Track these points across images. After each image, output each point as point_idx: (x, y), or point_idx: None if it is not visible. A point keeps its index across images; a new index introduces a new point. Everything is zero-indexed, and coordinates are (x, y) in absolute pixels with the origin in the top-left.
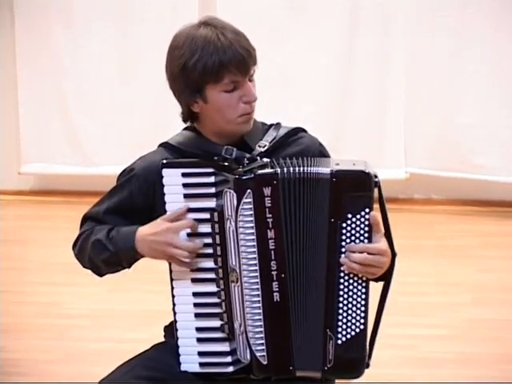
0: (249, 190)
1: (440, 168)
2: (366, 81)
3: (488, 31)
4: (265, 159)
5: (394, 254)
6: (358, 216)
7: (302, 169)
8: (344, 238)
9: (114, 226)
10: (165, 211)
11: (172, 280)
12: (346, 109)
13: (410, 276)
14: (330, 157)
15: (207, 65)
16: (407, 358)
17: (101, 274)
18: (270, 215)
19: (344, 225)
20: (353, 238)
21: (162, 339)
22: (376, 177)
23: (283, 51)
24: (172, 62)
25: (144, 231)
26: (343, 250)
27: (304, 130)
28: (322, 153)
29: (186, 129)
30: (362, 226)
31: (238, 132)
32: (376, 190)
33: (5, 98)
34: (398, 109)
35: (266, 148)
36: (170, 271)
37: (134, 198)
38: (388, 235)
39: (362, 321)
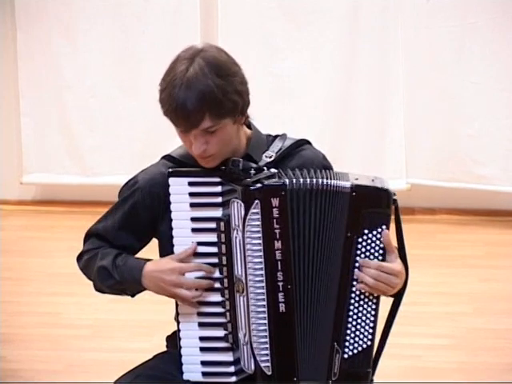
0: (257, 201)
1: (441, 178)
2: (366, 90)
3: (489, 40)
4: (272, 170)
5: (407, 275)
6: (375, 232)
7: (315, 180)
8: (359, 253)
9: (120, 245)
10: (170, 220)
11: None
12: (346, 119)
13: (412, 286)
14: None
15: (163, 104)
16: (409, 367)
17: (102, 293)
18: (278, 226)
19: (360, 240)
20: (368, 253)
21: (163, 349)
22: (394, 194)
23: (283, 63)
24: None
25: (151, 267)
26: (357, 264)
27: (309, 142)
28: (325, 166)
29: None
30: (378, 242)
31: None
32: (393, 208)
33: (7, 108)
34: (398, 119)
35: (272, 158)
36: None
37: (137, 211)
38: (403, 254)
39: (370, 337)
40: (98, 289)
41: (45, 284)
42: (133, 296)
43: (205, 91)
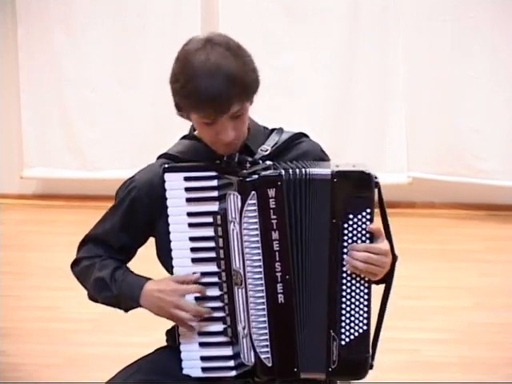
0: (253, 192)
1: (442, 172)
2: (367, 84)
3: (489, 35)
4: (268, 162)
5: (394, 257)
6: (360, 216)
7: (303, 170)
8: (346, 238)
9: (120, 247)
10: (167, 216)
11: None
12: (347, 114)
13: (412, 280)
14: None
15: (189, 98)
16: (408, 362)
17: (94, 302)
18: (275, 216)
19: (345, 225)
20: (354, 238)
21: (163, 343)
22: (376, 178)
23: (284, 58)
24: (171, 72)
25: (151, 287)
26: (345, 250)
27: (306, 135)
28: (322, 159)
29: (184, 137)
30: (364, 226)
31: (220, 153)
32: (376, 192)
33: (7, 102)
34: (399, 113)
35: (268, 152)
36: None
37: (135, 212)
38: (388, 236)
39: (365, 321)
40: (91, 298)
41: (45, 278)
42: (126, 311)
43: (231, 75)
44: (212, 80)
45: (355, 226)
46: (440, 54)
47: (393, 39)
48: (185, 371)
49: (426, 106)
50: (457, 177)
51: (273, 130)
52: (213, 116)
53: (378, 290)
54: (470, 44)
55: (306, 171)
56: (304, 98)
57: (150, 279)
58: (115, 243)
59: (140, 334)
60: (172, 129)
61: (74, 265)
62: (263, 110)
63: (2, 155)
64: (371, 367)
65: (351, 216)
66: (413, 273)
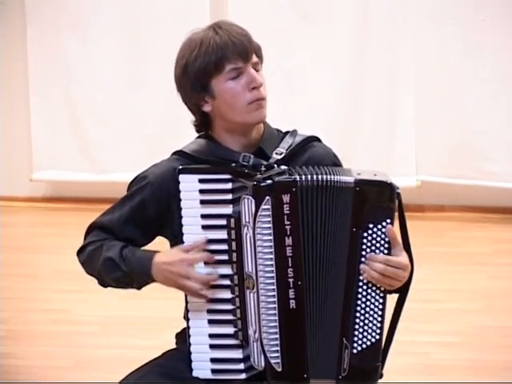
0: (267, 197)
1: (451, 175)
2: (376, 87)
3: (498, 38)
4: (283, 166)
5: (412, 269)
6: (380, 226)
7: (322, 177)
8: (364, 247)
9: (125, 238)
10: (180, 217)
11: None
12: (356, 115)
13: (421, 283)
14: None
15: (206, 57)
16: (418, 364)
17: (105, 286)
18: (289, 222)
19: (365, 234)
20: (373, 247)
21: (173, 346)
22: (398, 188)
23: (293, 60)
24: (176, 67)
25: (160, 259)
26: (363, 259)
27: (319, 139)
28: (335, 164)
29: (200, 137)
30: (383, 236)
31: (253, 122)
32: (396, 202)
33: (17, 105)
34: (408, 116)
35: (282, 155)
36: None
37: (146, 205)
38: (407, 247)
39: (378, 331)
40: (102, 282)
41: (54, 281)
42: (139, 289)
43: (243, 30)
44: (226, 33)
45: (374, 235)
46: (450, 56)
47: (402, 40)
48: (194, 373)
49: (435, 108)
50: (465, 179)
51: (286, 132)
52: (239, 61)
53: (391, 297)
54: (480, 46)
55: (325, 178)
56: (311, 99)
57: (158, 252)
58: (120, 234)
59: (148, 336)
60: (182, 132)
61: (80, 252)
62: (270, 112)
63: (12, 158)
64: (381, 376)
65: (371, 225)
66: (422, 276)
